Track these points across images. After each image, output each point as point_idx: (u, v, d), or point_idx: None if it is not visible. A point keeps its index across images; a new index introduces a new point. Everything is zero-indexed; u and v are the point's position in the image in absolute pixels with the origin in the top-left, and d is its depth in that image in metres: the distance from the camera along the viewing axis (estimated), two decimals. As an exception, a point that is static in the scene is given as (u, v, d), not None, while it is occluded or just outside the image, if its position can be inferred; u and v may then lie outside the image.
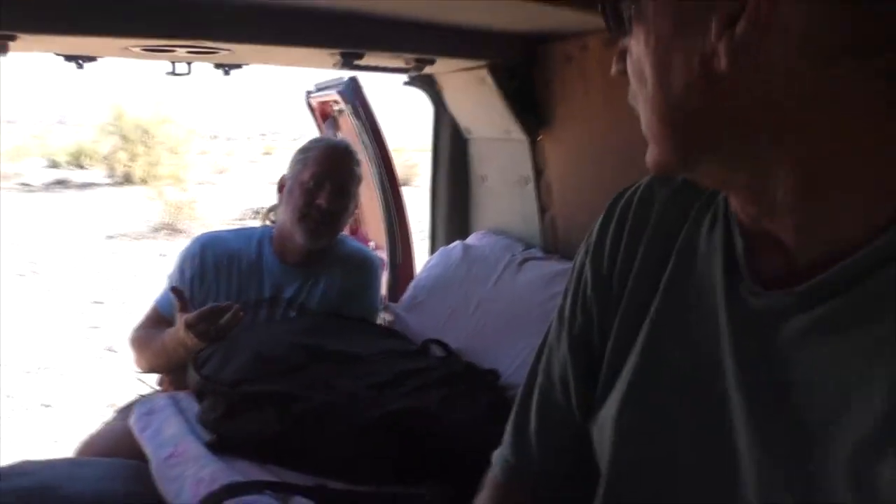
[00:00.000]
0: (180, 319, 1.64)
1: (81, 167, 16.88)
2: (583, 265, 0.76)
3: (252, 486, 1.28)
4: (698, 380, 0.63)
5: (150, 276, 7.20)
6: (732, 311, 0.61)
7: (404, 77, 2.10)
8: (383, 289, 2.30)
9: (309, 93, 3.00)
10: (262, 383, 1.45)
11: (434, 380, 1.48)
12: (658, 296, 0.69)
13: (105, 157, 15.59)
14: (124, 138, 14.85)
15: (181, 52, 1.63)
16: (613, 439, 0.67)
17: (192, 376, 1.52)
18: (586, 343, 0.74)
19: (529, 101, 1.91)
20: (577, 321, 0.75)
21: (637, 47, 0.58)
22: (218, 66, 1.85)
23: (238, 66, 1.87)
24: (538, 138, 1.97)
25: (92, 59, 1.68)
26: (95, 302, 6.29)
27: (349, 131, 2.67)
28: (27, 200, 12.45)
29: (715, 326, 0.62)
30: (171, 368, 1.78)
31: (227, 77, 1.90)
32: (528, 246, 2.06)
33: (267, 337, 1.63)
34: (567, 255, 1.97)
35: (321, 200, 1.78)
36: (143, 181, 13.38)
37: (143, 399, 1.71)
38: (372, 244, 2.96)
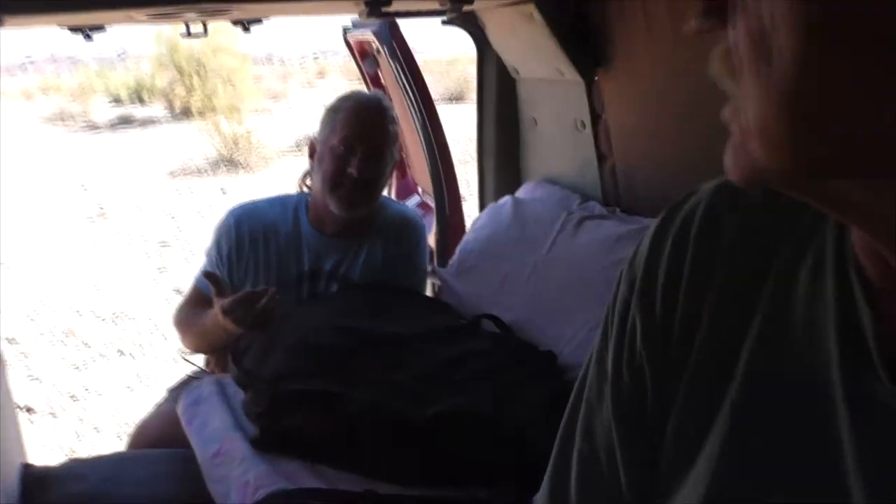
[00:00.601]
0: (217, 304, 1.56)
1: (143, 102, 17.06)
2: (626, 304, 0.59)
3: (299, 494, 1.22)
4: (808, 466, 0.48)
5: (213, 214, 7.29)
6: (856, 403, 0.45)
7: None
8: (432, 241, 2.17)
9: (346, 29, 2.81)
10: (305, 378, 1.36)
11: (488, 367, 1.36)
12: (744, 357, 0.52)
13: (163, 92, 15.67)
14: (180, 71, 14.85)
15: (190, 14, 1.48)
16: None
17: (232, 369, 1.45)
18: (638, 409, 0.58)
19: (583, 39, 1.69)
20: (623, 381, 0.59)
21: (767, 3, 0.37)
22: (236, 22, 1.70)
23: (258, 20, 1.71)
24: (595, 79, 1.75)
25: (100, 27, 1.55)
26: (162, 244, 6.41)
27: (389, 72, 2.48)
28: (94, 141, 12.71)
29: (828, 409, 0.47)
30: (216, 350, 1.72)
31: (248, 33, 1.75)
32: (585, 198, 1.88)
33: (307, 321, 1.54)
34: (628, 209, 1.78)
35: (353, 168, 1.63)
36: (201, 114, 13.43)
37: (190, 385, 1.66)
38: (420, 190, 2.82)
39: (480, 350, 1.43)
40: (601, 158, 1.82)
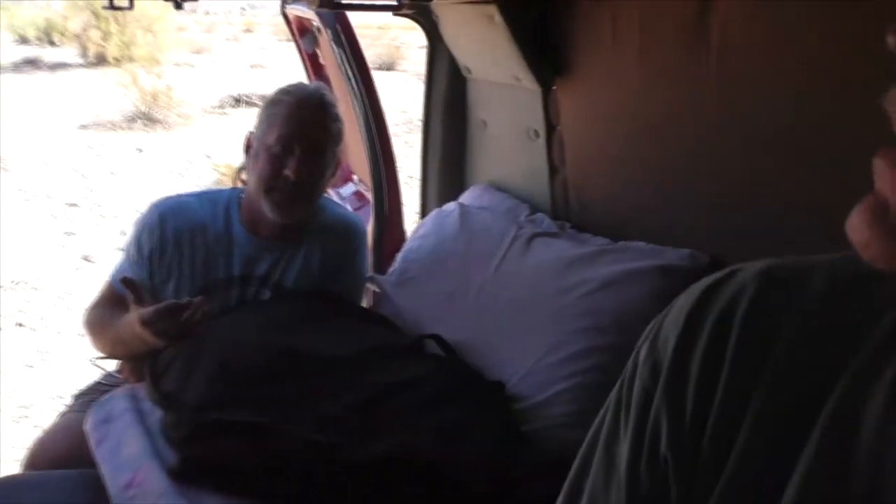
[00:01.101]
0: (135, 313, 1.41)
1: (53, 44, 15.92)
2: (647, 395, 0.51)
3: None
4: None
5: (128, 174, 6.89)
6: None
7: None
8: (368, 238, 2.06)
9: (284, 1, 2.63)
10: (230, 405, 1.25)
11: (431, 398, 1.28)
12: (795, 480, 0.45)
13: (76, 35, 14.66)
14: (95, 14, 13.90)
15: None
16: None
17: (151, 392, 1.32)
18: None
19: (545, 46, 1.60)
20: (641, 485, 0.51)
21: None
22: (167, -1, 1.53)
23: (191, -3, 1.54)
24: (552, 88, 1.67)
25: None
26: (70, 204, 6.01)
27: (330, 55, 2.34)
28: (-5, 83, 11.79)
29: None
30: (132, 358, 1.57)
31: (179, 10, 1.58)
32: (534, 209, 1.82)
33: (234, 336, 1.41)
34: (578, 225, 1.73)
35: (289, 171, 1.49)
36: (117, 62, 12.64)
37: (99, 398, 1.51)
38: (356, 178, 2.70)
39: (423, 376, 1.34)
40: (553, 170, 1.76)
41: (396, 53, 12.72)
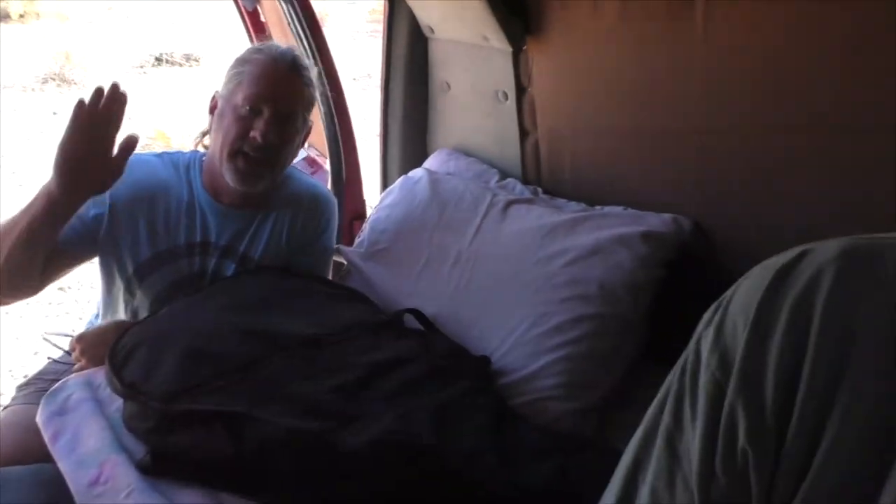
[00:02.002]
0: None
1: (-54, -3, 14.73)
2: (718, 387, 0.49)
3: (205, 540, 1.04)
4: None
5: (42, 138, 6.46)
6: None
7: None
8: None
9: (221, -47, 2.45)
10: (203, 393, 1.16)
11: (419, 378, 1.22)
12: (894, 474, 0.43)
13: (-27, -13, 13.59)
14: (-6, -36, 12.91)
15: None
16: None
17: (112, 382, 1.21)
18: None
19: (515, 3, 1.53)
20: (718, 482, 0.49)
21: None
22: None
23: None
24: (523, 48, 1.61)
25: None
26: (-21, 172, 5.60)
27: (274, 11, 2.20)
28: None
29: None
30: (31, 255, 1.34)
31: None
32: (503, 173, 1.76)
33: (202, 320, 1.31)
34: (551, 190, 1.69)
35: (256, 132, 1.39)
36: (22, 17, 11.80)
37: (48, 387, 1.39)
38: (306, 144, 2.57)
39: (407, 355, 1.28)
40: (523, 134, 1.70)
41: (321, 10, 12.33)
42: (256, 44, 1.47)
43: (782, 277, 0.48)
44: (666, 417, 0.53)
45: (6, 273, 1.35)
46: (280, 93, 1.42)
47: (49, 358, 1.62)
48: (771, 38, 1.21)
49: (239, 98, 1.41)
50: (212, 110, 1.49)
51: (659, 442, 0.53)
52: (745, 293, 0.50)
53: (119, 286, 1.49)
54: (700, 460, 0.49)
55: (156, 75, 8.94)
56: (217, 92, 1.49)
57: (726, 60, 1.27)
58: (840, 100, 1.18)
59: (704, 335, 0.51)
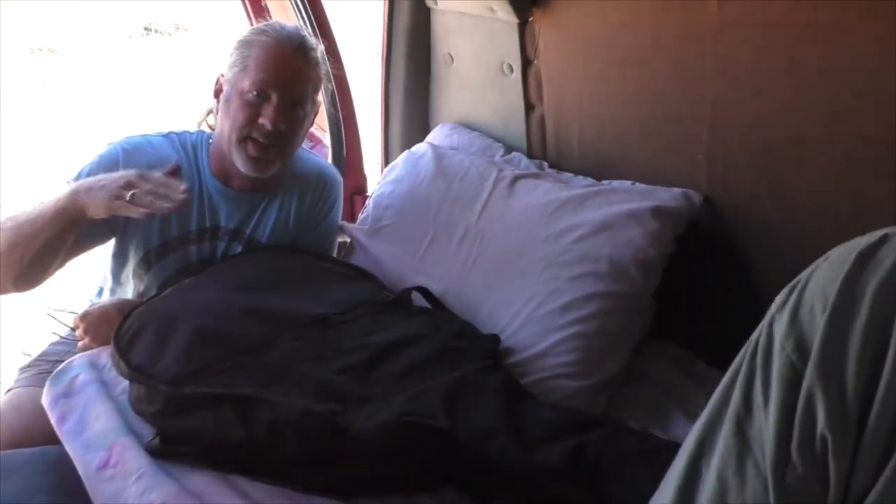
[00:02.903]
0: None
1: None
2: (794, 370, 0.47)
3: (219, 522, 1.03)
4: None
5: (31, 110, 6.36)
6: None
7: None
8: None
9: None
10: (211, 376, 1.15)
11: (429, 358, 1.21)
12: None
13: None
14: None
15: None
16: None
17: (119, 365, 1.20)
18: (809, 501, 0.48)
19: (523, -26, 1.50)
20: (793, 465, 0.48)
21: None
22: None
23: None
24: (529, 20, 1.57)
25: None
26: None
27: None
28: None
29: None
30: (27, 250, 1.31)
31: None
32: (508, 147, 1.74)
33: (208, 301, 1.29)
34: (556, 164, 1.67)
35: (265, 120, 1.36)
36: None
37: (52, 368, 1.38)
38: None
39: (416, 335, 1.27)
40: (529, 107, 1.67)
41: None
42: (260, 23, 1.42)
43: (864, 260, 0.47)
44: (735, 401, 0.52)
45: (27, 273, 1.34)
46: (288, 77, 1.38)
47: (54, 333, 1.60)
48: (786, 11, 1.18)
49: (245, 83, 1.37)
50: (217, 94, 1.45)
51: (727, 426, 0.52)
52: (823, 276, 0.48)
53: (128, 272, 1.47)
54: (775, 446, 0.48)
55: (144, 45, 8.78)
56: (221, 75, 1.44)
57: (741, 33, 1.24)
58: (856, 73, 1.15)
59: (778, 317, 0.50)
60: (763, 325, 0.50)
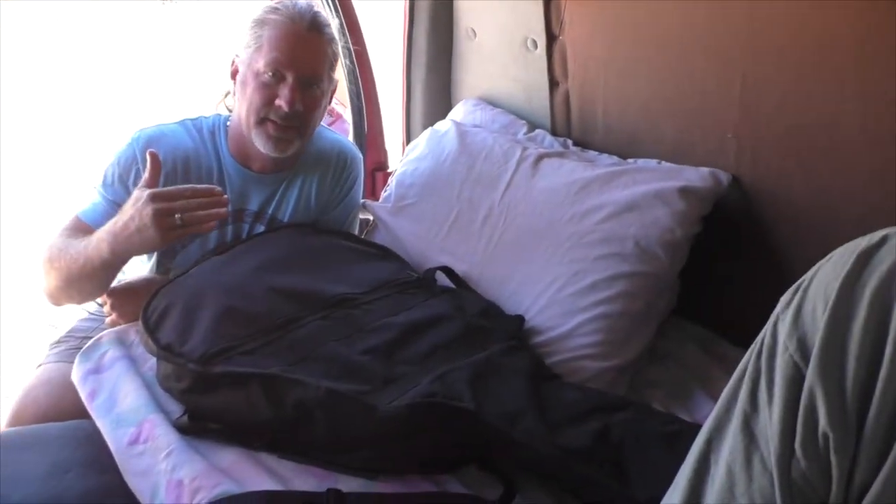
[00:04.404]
0: (140, 190, 1.24)
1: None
2: (796, 368, 0.49)
3: (249, 500, 1.05)
4: None
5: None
6: None
7: None
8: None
9: None
10: (239, 354, 1.16)
11: (454, 339, 1.21)
12: None
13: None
14: None
15: None
16: None
17: (148, 344, 1.21)
18: (813, 496, 0.50)
19: (549, -53, 1.47)
20: (796, 460, 0.49)
21: None
22: None
23: None
24: (554, -6, 1.55)
25: None
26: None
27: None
28: None
29: None
30: (85, 295, 1.43)
31: None
32: (532, 125, 1.72)
33: (234, 278, 1.30)
34: (580, 142, 1.65)
35: (282, 101, 1.35)
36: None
37: (81, 344, 1.40)
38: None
39: (440, 315, 1.27)
40: (553, 84, 1.65)
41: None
42: (272, 2, 1.41)
43: (864, 261, 0.48)
44: (742, 398, 0.54)
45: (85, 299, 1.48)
46: (302, 56, 1.37)
47: (83, 308, 1.62)
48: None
49: (260, 64, 1.36)
50: (233, 75, 1.44)
51: (734, 423, 0.54)
52: (824, 276, 0.50)
53: (153, 262, 1.48)
54: (779, 442, 0.50)
55: (167, 11, 8.73)
56: (236, 56, 1.43)
57: (770, 11, 1.22)
58: (890, 51, 1.13)
59: (782, 318, 0.52)
60: (768, 325, 0.52)
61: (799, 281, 0.52)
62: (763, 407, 0.51)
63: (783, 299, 0.53)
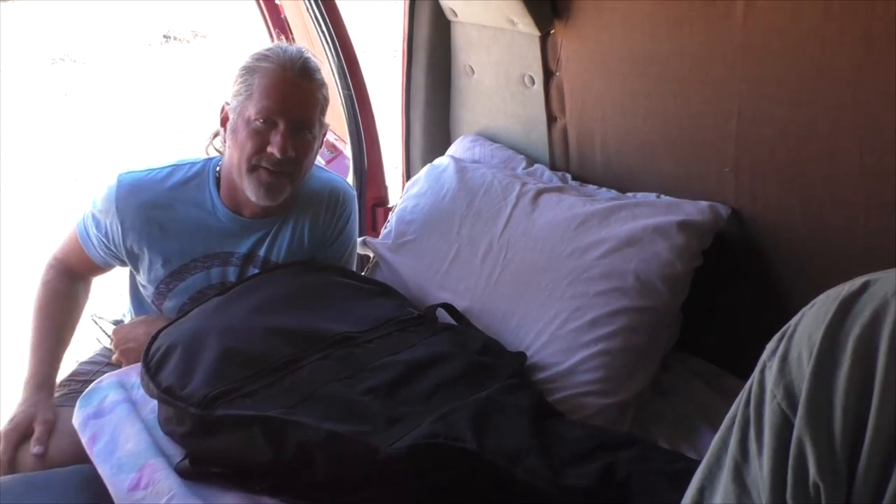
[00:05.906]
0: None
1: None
2: (784, 418, 0.48)
3: (250, 545, 1.04)
4: None
5: (53, 121, 6.43)
6: None
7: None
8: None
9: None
10: (240, 397, 1.15)
11: (455, 377, 1.21)
12: None
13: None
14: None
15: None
16: None
17: (149, 387, 1.21)
18: None
19: (547, -14, 1.49)
20: None
21: None
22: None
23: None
24: (550, 32, 1.57)
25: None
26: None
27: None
28: None
29: None
30: None
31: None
32: (530, 160, 1.73)
33: (234, 320, 1.30)
34: (579, 176, 1.66)
35: (273, 148, 1.34)
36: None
37: (82, 388, 1.40)
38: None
39: (442, 353, 1.27)
40: (551, 119, 1.67)
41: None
42: (261, 49, 1.40)
43: (846, 309, 0.48)
44: (732, 449, 0.53)
45: None
46: (293, 103, 1.36)
47: (97, 340, 1.65)
48: (814, 22, 1.16)
49: (251, 111, 1.35)
50: (223, 122, 1.44)
51: (725, 472, 0.54)
52: (808, 324, 0.50)
53: (148, 303, 1.51)
54: (770, 493, 0.49)
55: (163, 52, 8.85)
56: (226, 103, 1.43)
57: (767, 44, 1.23)
58: (885, 84, 1.13)
59: (769, 366, 0.52)
60: (755, 373, 0.52)
61: (784, 327, 0.52)
62: (753, 457, 0.51)
63: (769, 346, 0.53)
